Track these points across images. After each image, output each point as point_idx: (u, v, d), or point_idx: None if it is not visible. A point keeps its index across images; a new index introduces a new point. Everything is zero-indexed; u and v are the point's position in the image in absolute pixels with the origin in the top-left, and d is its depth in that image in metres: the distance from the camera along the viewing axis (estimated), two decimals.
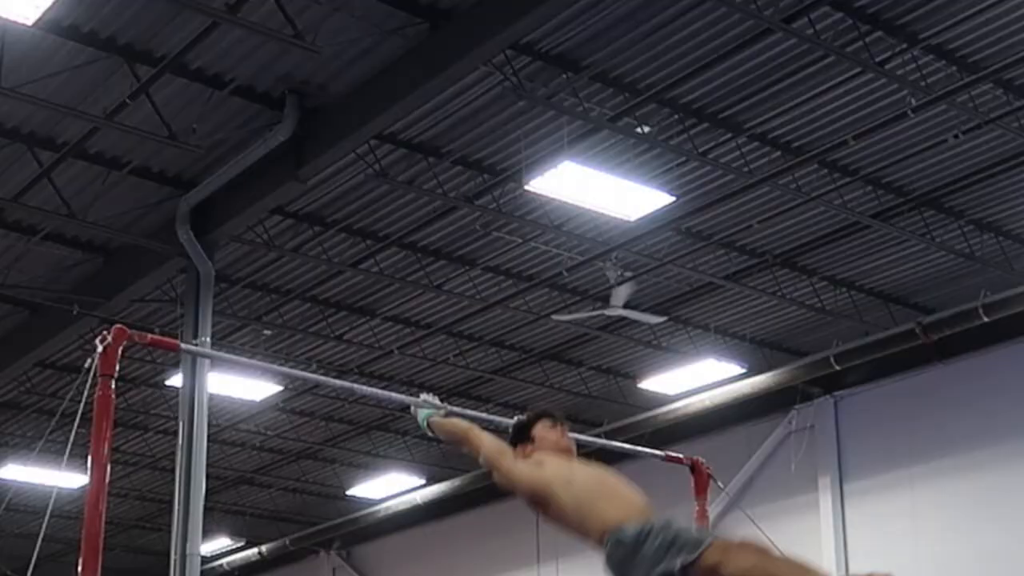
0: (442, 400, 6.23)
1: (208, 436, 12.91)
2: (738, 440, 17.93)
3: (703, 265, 14.50)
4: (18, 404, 18.30)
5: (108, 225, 13.31)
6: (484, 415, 8.73)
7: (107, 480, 4.60)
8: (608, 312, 14.69)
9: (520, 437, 5.38)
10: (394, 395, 5.49)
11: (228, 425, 19.08)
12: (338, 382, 6.44)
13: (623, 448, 8.64)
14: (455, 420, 5.89)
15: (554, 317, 15.44)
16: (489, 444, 5.37)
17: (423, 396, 6.09)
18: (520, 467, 5.19)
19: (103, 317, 14.48)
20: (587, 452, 5.72)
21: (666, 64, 10.93)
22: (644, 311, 15.04)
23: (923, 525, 15.81)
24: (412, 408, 6.16)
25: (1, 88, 10.60)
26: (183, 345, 5.47)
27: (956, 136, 11.59)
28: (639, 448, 7.62)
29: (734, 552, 4.38)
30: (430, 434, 5.99)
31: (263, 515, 23.90)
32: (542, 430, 5.35)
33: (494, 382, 17.98)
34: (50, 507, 5.80)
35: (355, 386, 6.23)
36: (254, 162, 11.88)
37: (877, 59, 10.64)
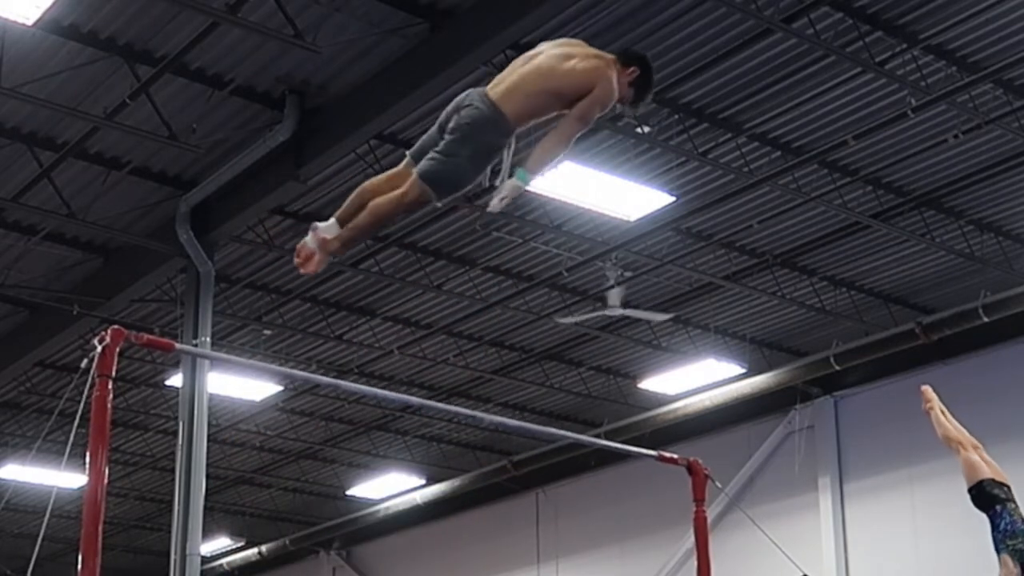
0: (442, 400, 6.18)
1: (208, 436, 12.93)
2: (738, 440, 17.93)
3: (703, 265, 14.50)
4: (18, 404, 18.30)
5: (108, 225, 13.31)
6: (485, 415, 8.72)
7: (106, 480, 4.60)
8: (611, 312, 14.67)
9: (635, 63, 5.74)
10: (391, 394, 5.37)
11: (228, 425, 19.08)
12: (328, 379, 6.25)
13: (619, 448, 8.61)
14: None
15: (556, 319, 15.42)
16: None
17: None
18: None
19: (103, 317, 14.48)
20: (586, 452, 5.70)
21: (666, 64, 10.92)
22: (646, 310, 15.04)
23: (923, 525, 15.80)
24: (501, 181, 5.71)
25: (1, 88, 10.60)
26: (178, 345, 5.44)
27: (956, 136, 11.58)
28: (634, 448, 7.58)
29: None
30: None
31: (263, 515, 23.90)
32: (629, 78, 5.76)
33: (494, 382, 17.96)
34: (49, 507, 5.81)
35: (353, 385, 6.12)
36: (254, 162, 11.88)
37: (877, 59, 10.64)
